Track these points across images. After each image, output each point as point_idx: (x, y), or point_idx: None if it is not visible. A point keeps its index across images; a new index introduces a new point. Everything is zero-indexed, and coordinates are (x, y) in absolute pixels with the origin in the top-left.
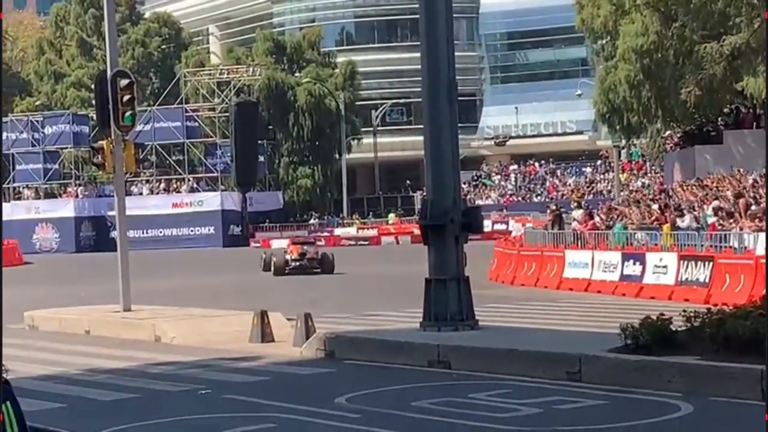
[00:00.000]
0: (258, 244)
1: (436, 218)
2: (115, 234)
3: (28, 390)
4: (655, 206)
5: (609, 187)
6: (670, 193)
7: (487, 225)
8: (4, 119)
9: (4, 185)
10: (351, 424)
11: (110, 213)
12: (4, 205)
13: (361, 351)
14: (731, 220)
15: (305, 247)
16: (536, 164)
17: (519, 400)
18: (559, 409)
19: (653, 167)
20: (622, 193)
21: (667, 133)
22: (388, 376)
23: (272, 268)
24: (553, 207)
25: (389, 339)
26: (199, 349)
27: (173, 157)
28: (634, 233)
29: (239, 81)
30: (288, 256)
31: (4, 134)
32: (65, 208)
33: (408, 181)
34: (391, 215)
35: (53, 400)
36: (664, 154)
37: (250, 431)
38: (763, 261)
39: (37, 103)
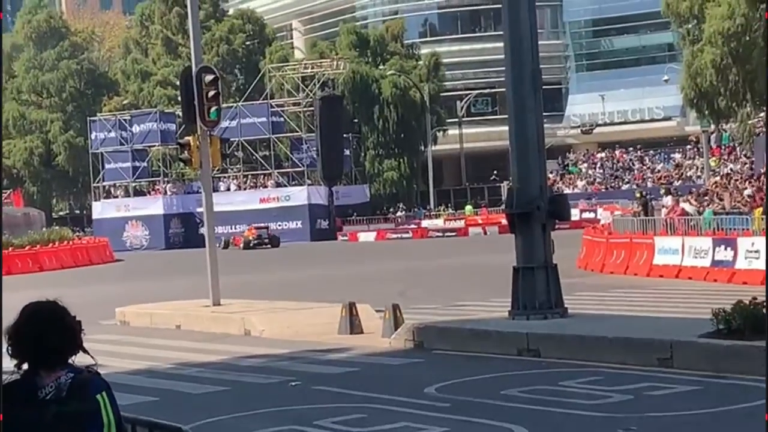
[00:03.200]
0: (345, 238)
1: (523, 206)
2: (203, 230)
3: (121, 384)
4: (746, 191)
5: (698, 173)
6: (761, 177)
7: (575, 214)
8: (93, 119)
9: (93, 184)
10: (441, 414)
11: (199, 209)
12: (95, 204)
13: (450, 340)
14: None
15: (259, 231)
16: (624, 151)
17: (610, 387)
18: (651, 396)
19: (743, 151)
20: (712, 179)
21: (761, 115)
22: (477, 365)
23: (241, 246)
24: (638, 194)
25: (478, 328)
26: (289, 341)
27: (259, 153)
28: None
29: (323, 75)
30: (250, 237)
31: (93, 134)
32: (154, 206)
33: (495, 171)
34: (468, 207)
35: (146, 393)
36: (755, 137)
37: (340, 421)
38: None
39: (125, 102)
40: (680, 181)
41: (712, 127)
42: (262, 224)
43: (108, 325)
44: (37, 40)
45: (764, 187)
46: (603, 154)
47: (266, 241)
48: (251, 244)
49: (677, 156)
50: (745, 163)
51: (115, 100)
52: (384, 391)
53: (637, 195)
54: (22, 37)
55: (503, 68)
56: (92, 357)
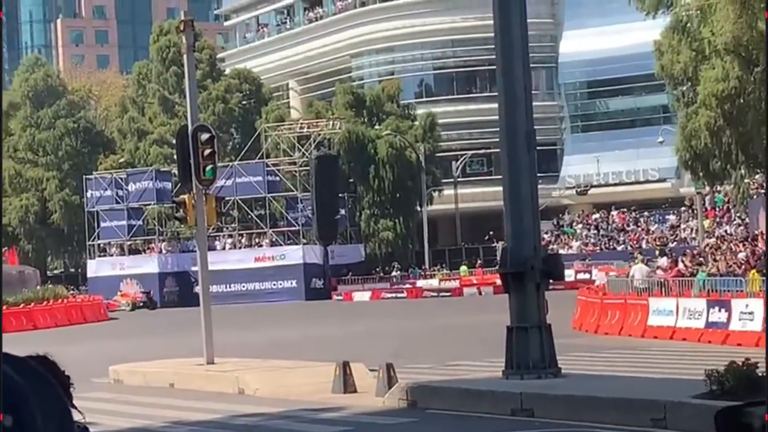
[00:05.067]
0: (340, 297)
1: (517, 265)
2: (198, 289)
3: None
4: (741, 254)
5: (693, 235)
6: (756, 240)
7: (570, 274)
8: (88, 177)
9: (89, 242)
10: None
11: (194, 268)
12: (90, 262)
13: (444, 400)
14: None
15: (143, 293)
16: (618, 213)
17: None
18: None
19: (738, 214)
20: (706, 240)
21: (757, 176)
22: (471, 424)
23: (129, 308)
24: (637, 255)
25: (472, 388)
26: (283, 400)
27: (255, 212)
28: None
29: (319, 135)
30: (136, 301)
31: (89, 192)
32: (149, 264)
33: (490, 232)
34: (463, 267)
35: None
36: (749, 200)
37: None
38: None
39: (121, 160)
40: (675, 243)
41: (707, 188)
42: (146, 289)
43: (101, 383)
44: (34, 99)
45: (762, 247)
46: (598, 215)
47: (148, 304)
48: (139, 305)
49: (672, 217)
50: (740, 225)
51: (111, 158)
52: None
53: (637, 257)
54: (19, 95)
55: (499, 129)
56: (80, 412)
